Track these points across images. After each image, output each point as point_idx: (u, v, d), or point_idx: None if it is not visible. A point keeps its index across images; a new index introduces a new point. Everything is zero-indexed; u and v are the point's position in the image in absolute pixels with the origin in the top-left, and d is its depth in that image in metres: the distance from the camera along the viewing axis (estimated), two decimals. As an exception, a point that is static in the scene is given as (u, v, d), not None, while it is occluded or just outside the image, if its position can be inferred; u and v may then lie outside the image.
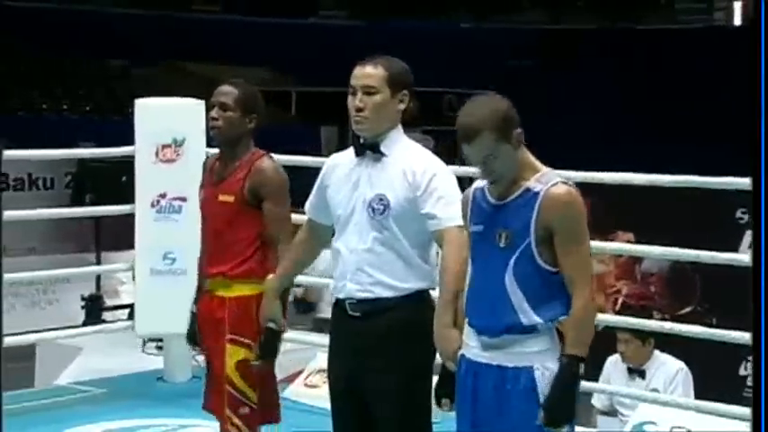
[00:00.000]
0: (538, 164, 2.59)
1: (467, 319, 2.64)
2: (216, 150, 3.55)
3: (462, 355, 2.63)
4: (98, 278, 7.91)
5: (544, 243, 2.50)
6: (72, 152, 7.50)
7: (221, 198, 3.32)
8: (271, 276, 3.15)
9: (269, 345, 3.18)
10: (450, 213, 2.79)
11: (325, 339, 3.27)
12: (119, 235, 6.67)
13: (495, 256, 2.53)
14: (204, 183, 3.45)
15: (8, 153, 5.46)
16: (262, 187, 3.29)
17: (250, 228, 3.30)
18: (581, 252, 2.50)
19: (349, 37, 18.44)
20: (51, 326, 7.14)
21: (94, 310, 7.61)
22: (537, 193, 2.51)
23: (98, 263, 8.11)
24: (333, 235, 3.01)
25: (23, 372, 5.83)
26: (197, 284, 3.51)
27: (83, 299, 7.95)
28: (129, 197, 5.03)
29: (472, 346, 2.60)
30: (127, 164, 5.27)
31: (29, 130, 13.36)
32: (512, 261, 2.51)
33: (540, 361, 2.51)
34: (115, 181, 7.92)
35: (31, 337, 5.31)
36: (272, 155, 3.45)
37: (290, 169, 5.21)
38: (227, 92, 3.35)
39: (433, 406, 2.85)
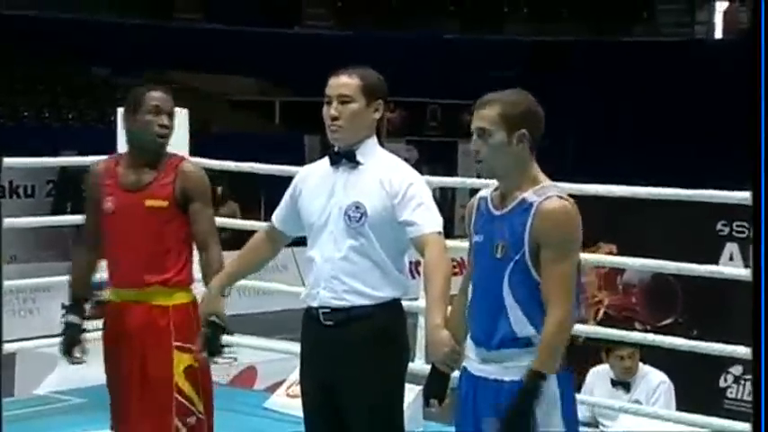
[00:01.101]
0: (541, 177, 2.58)
1: (469, 331, 2.63)
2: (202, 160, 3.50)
3: (464, 368, 2.63)
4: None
5: (536, 255, 2.50)
6: (54, 160, 7.46)
7: (150, 203, 3.22)
8: (218, 275, 3.11)
9: (214, 340, 3.13)
10: (429, 219, 2.81)
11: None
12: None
13: (493, 267, 2.54)
14: (109, 192, 3.28)
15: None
16: (190, 189, 3.25)
17: (181, 232, 3.26)
18: (563, 269, 2.49)
19: (333, 47, 18.45)
20: (32, 335, 7.10)
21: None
22: (531, 205, 2.51)
23: (79, 271, 8.06)
24: (304, 245, 3.00)
25: (3, 381, 5.79)
26: (76, 292, 3.40)
27: (63, 307, 7.91)
28: (111, 206, 5.00)
29: (472, 359, 2.60)
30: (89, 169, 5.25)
31: (10, 138, 13.30)
32: (507, 272, 2.51)
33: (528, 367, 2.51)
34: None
35: (12, 346, 5.26)
36: (249, 164, 3.39)
37: (274, 178, 5.22)
38: (168, 98, 3.32)
39: (413, 417, 2.84)
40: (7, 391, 5.95)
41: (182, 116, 4.97)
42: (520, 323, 2.51)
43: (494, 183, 2.67)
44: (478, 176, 2.84)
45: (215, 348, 3.16)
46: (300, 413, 3.01)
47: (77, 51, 17.67)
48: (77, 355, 3.42)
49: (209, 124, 14.71)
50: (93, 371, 5.62)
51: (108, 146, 5.07)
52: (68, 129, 16.35)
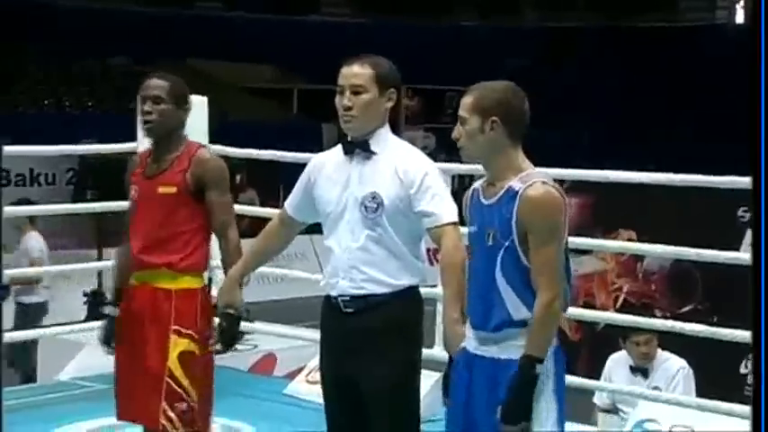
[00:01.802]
0: (525, 164, 2.63)
1: (468, 316, 2.69)
2: (217, 147, 3.53)
3: (463, 348, 2.68)
4: (99, 274, 7.93)
5: (524, 241, 2.56)
6: (74, 148, 7.49)
7: (162, 190, 3.26)
8: (235, 265, 3.12)
9: (229, 331, 3.14)
10: (445, 210, 2.83)
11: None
12: (120, 231, 6.69)
13: (486, 255, 2.60)
14: (134, 179, 3.37)
15: (9, 149, 5.47)
16: (204, 177, 3.26)
17: (193, 219, 3.27)
18: (547, 254, 2.54)
19: (351, 34, 18.44)
20: (53, 322, 7.16)
21: (96, 306, 7.63)
22: (516, 192, 2.57)
23: (99, 259, 8.12)
24: (320, 233, 3.01)
25: (26, 366, 5.85)
26: (115, 285, 3.42)
27: (84, 295, 7.98)
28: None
29: (471, 339, 2.66)
30: (127, 160, 5.27)
31: (30, 127, 13.36)
32: (498, 259, 2.57)
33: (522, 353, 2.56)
34: (116, 177, 7.93)
35: (33, 333, 5.31)
36: (269, 151, 3.40)
37: (292, 166, 5.22)
38: (158, 85, 3.30)
39: (431, 403, 2.86)
40: (29, 377, 6.03)
41: (200, 104, 4.99)
42: (515, 307, 2.57)
43: None
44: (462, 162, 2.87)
45: (228, 339, 3.17)
46: (320, 399, 3.03)
47: (96, 40, 17.72)
48: (111, 348, 3.42)
49: (228, 112, 14.73)
50: (113, 358, 5.68)
51: (127, 134, 5.09)
52: (88, 117, 16.41)
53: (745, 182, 3.90)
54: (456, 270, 2.75)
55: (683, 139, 17.87)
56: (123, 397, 3.34)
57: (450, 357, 2.74)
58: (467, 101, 2.64)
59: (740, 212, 5.47)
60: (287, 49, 19.28)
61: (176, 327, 3.23)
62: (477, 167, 2.77)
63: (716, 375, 5.03)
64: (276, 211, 4.93)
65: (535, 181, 2.57)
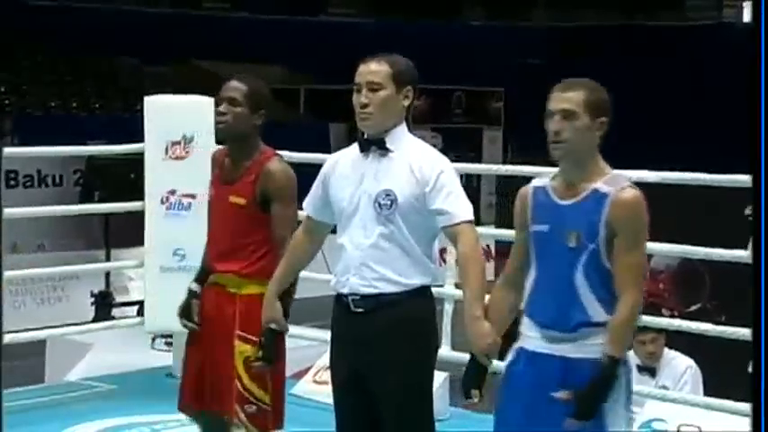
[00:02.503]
0: (606, 167, 2.64)
1: (526, 314, 2.66)
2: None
3: (521, 348, 2.65)
4: (107, 275, 7.95)
5: (610, 245, 2.55)
6: (81, 149, 7.52)
7: (232, 200, 3.31)
8: (272, 280, 3.13)
9: (270, 346, 3.15)
10: (461, 208, 2.81)
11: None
12: (128, 232, 6.70)
13: (564, 256, 2.57)
14: (213, 179, 3.44)
15: (17, 150, 5.49)
16: (271, 190, 3.29)
17: (261, 230, 3.29)
18: (636, 257, 2.56)
19: (358, 35, 18.43)
20: (61, 322, 7.18)
21: (104, 306, 7.65)
22: (605, 195, 2.56)
23: (107, 260, 8.13)
24: (332, 232, 3.01)
25: (34, 367, 5.87)
26: (201, 267, 3.49)
27: (92, 295, 8.00)
28: (137, 194, 5.05)
29: (533, 338, 2.63)
30: (135, 161, 5.29)
31: (38, 128, 13.40)
32: (582, 260, 2.56)
33: (602, 353, 2.56)
34: (123, 178, 7.96)
35: (42, 333, 5.33)
36: (281, 153, 3.44)
37: (299, 166, 5.22)
38: (236, 87, 3.33)
39: (440, 403, 2.85)
40: (38, 377, 6.03)
41: (208, 105, 5.00)
42: (595, 309, 2.57)
43: (520, 170, 2.69)
44: (548, 162, 2.80)
45: (270, 355, 3.16)
46: (327, 399, 3.03)
47: (104, 41, 17.75)
48: (188, 322, 3.45)
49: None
50: (121, 358, 5.70)
51: (135, 135, 5.11)
52: (95, 118, 16.44)
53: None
54: (476, 267, 2.74)
55: (693, 137, 17.83)
56: (192, 389, 3.39)
57: (473, 356, 2.72)
58: (575, 96, 2.59)
59: (748, 211, 5.44)
60: (294, 49, 19.28)
61: (241, 332, 3.28)
62: (484, 167, 2.76)
63: (724, 374, 5.01)
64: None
65: (625, 185, 2.59)
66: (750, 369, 5.97)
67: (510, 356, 2.68)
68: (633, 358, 4.80)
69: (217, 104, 3.39)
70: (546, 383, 2.57)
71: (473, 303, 2.71)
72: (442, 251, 2.91)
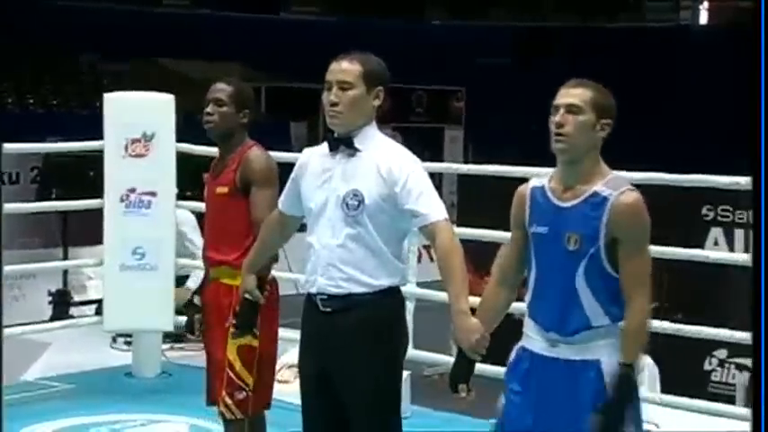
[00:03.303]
0: (606, 169, 2.62)
1: (529, 314, 2.66)
2: (196, 147, 3.64)
3: (523, 348, 2.65)
4: (65, 273, 7.86)
5: (611, 248, 2.53)
6: (39, 146, 7.43)
7: (218, 191, 3.48)
8: (249, 254, 3.23)
9: (245, 315, 3.25)
10: (435, 207, 2.82)
11: (295, 334, 3.28)
12: (85, 230, 6.63)
13: (564, 259, 2.56)
14: (207, 177, 3.62)
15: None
16: (250, 175, 3.42)
17: (244, 217, 3.40)
18: (643, 260, 2.56)
19: (319, 33, 18.39)
20: (17, 321, 7.09)
21: (62, 305, 7.56)
22: (606, 198, 2.54)
23: (65, 258, 8.04)
24: (300, 228, 3.02)
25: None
26: (204, 275, 3.65)
27: (50, 294, 7.89)
28: (95, 192, 5.01)
29: (536, 340, 2.62)
30: (93, 159, 5.25)
31: (-5, 125, 13.21)
32: (582, 264, 2.54)
33: (606, 354, 2.56)
34: (81, 176, 7.87)
35: (-2, 333, 5.25)
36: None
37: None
38: (221, 89, 3.53)
39: (402, 402, 2.86)
40: (-6, 377, 5.95)
41: (168, 102, 4.97)
42: (595, 313, 2.56)
43: (482, 169, 2.69)
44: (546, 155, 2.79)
45: (245, 323, 3.27)
46: (289, 399, 3.04)
47: (63, 37, 17.55)
48: (192, 334, 3.75)
49: (196, 110, 14.64)
50: (79, 357, 5.65)
51: (93, 132, 5.06)
52: (53, 115, 16.25)
53: (709, 180, 3.95)
54: (457, 262, 2.74)
55: (650, 137, 18.02)
56: (210, 382, 3.56)
57: (460, 351, 2.71)
58: (583, 93, 2.59)
59: (704, 210, 5.52)
60: (254, 47, 19.20)
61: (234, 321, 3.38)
62: (445, 165, 2.77)
63: (680, 372, 5.08)
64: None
65: (624, 188, 2.56)
66: (705, 366, 6.03)
67: (512, 355, 2.67)
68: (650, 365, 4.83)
69: (205, 106, 3.54)
70: (554, 387, 2.57)
71: (458, 298, 2.70)
72: (428, 247, 2.94)
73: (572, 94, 2.59)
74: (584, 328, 2.55)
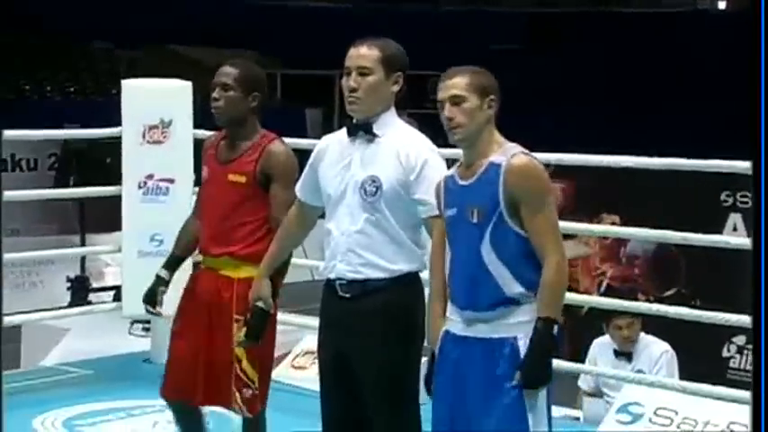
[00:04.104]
0: (503, 140, 2.68)
1: (449, 297, 2.68)
2: (210, 133, 3.54)
3: (446, 331, 2.68)
4: (83, 260, 7.90)
5: (514, 211, 2.57)
6: (56, 133, 7.45)
7: (232, 178, 3.30)
8: (263, 260, 3.13)
9: (256, 324, 3.16)
10: None
11: (311, 321, 3.29)
12: (103, 217, 6.66)
13: (470, 233, 2.60)
14: (207, 161, 3.42)
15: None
16: (272, 169, 3.29)
17: (260, 209, 3.29)
18: (547, 216, 2.58)
19: (334, 20, 18.36)
20: (36, 307, 7.14)
21: (80, 291, 7.61)
22: (499, 165, 2.59)
23: (83, 244, 8.09)
24: (322, 216, 3.02)
25: (9, 353, 5.83)
26: (172, 253, 3.49)
27: (68, 280, 7.95)
28: (113, 179, 5.02)
29: (456, 321, 2.65)
30: (110, 145, 5.26)
31: (12, 112, 13.27)
32: (487, 233, 2.58)
33: (523, 331, 2.57)
34: (99, 163, 7.90)
35: (17, 319, 5.29)
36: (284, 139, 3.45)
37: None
38: (228, 72, 3.33)
39: (422, 388, 2.87)
40: (13, 363, 6.00)
41: (185, 89, 4.98)
42: (507, 283, 2.58)
43: None
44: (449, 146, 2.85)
45: (256, 332, 3.16)
46: (305, 384, 3.04)
47: (78, 25, 17.59)
48: (152, 308, 3.47)
49: (209, 97, 14.64)
50: (97, 343, 5.68)
51: (110, 119, 5.07)
52: (70, 102, 16.31)
53: (727, 165, 3.93)
54: (442, 264, 2.73)
55: (666, 123, 17.93)
56: (179, 378, 3.34)
57: (433, 352, 2.73)
58: (460, 82, 2.65)
59: (723, 196, 5.50)
60: (270, 34, 19.20)
61: (238, 316, 3.25)
62: (458, 152, 2.77)
63: (699, 358, 5.07)
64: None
65: (516, 152, 2.61)
66: (724, 353, 6.02)
67: (438, 339, 2.70)
68: (611, 343, 4.85)
69: (211, 90, 3.38)
70: (471, 367, 2.59)
71: (434, 297, 2.74)
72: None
73: (450, 86, 2.65)
74: (499, 302, 2.57)
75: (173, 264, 3.48)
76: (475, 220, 2.58)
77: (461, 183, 2.66)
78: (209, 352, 3.32)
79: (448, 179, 2.71)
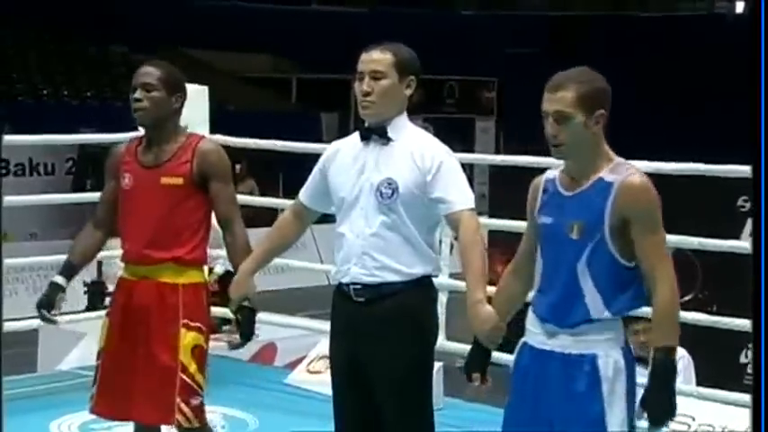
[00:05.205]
0: (612, 155, 2.57)
1: (531, 308, 2.63)
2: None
3: (525, 343, 2.62)
4: (99, 264, 7.91)
5: (618, 234, 2.48)
6: (73, 138, 7.49)
7: (165, 181, 3.19)
8: (249, 258, 3.09)
9: (248, 324, 3.12)
10: (462, 196, 2.82)
11: (327, 326, 3.27)
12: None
13: (567, 249, 2.51)
14: (126, 170, 3.27)
15: (9, 138, 5.47)
16: (209, 168, 3.21)
17: (197, 210, 3.23)
18: (658, 241, 2.50)
19: (350, 24, 18.38)
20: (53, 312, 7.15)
21: (97, 295, 7.63)
22: (611, 184, 2.49)
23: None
24: (317, 222, 3.00)
25: (26, 357, 5.85)
26: (68, 261, 3.37)
27: (85, 284, 7.97)
28: (130, 183, 5.02)
29: (536, 333, 2.59)
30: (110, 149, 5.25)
31: (29, 116, 13.34)
32: (585, 253, 2.49)
33: (603, 349, 2.52)
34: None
35: (34, 322, 5.30)
36: (269, 141, 3.38)
37: (291, 156, 5.20)
38: (150, 72, 3.22)
39: (435, 393, 2.86)
40: (30, 367, 6.02)
41: (201, 93, 4.99)
42: (597, 307, 2.50)
43: (513, 159, 2.66)
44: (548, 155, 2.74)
45: (248, 332, 3.14)
46: (320, 389, 3.03)
47: (94, 29, 17.68)
48: (47, 314, 3.37)
49: (226, 102, 14.71)
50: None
51: (126, 123, 5.08)
52: (86, 106, 16.38)
53: (745, 171, 3.90)
54: (477, 252, 2.74)
55: (683, 128, 17.86)
56: (113, 395, 3.25)
57: (476, 341, 2.70)
58: (566, 96, 2.49)
59: (740, 201, 5.47)
60: (285, 38, 19.23)
61: (185, 320, 3.19)
62: (478, 156, 2.76)
63: (716, 364, 5.04)
64: (276, 200, 4.94)
65: (631, 172, 2.51)
66: (742, 359, 5.99)
67: (516, 351, 2.65)
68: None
69: (131, 92, 3.25)
70: (549, 380, 2.53)
71: (475, 287, 2.70)
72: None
73: (555, 100, 2.50)
74: (584, 321, 2.51)
75: (69, 271, 3.36)
76: (575, 236, 2.49)
77: (564, 192, 2.56)
78: (149, 364, 3.18)
79: (548, 182, 2.61)
